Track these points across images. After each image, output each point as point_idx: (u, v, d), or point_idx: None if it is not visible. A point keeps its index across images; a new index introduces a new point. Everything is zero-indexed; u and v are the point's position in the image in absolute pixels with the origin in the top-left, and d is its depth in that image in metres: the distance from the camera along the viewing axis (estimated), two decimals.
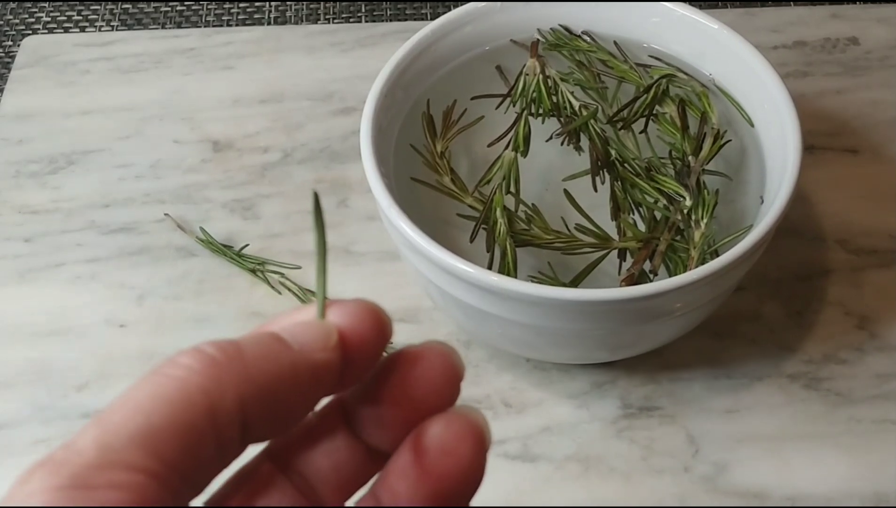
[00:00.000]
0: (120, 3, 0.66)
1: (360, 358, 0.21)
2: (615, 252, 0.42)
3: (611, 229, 0.43)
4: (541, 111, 0.46)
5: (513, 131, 0.45)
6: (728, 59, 0.46)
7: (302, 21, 0.65)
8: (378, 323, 0.21)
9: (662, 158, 0.45)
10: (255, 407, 0.19)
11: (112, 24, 0.65)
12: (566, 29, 0.48)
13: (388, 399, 0.21)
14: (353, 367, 0.21)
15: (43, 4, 0.67)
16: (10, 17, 0.66)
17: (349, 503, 0.23)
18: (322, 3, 0.66)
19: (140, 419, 0.18)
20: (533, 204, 0.43)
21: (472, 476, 0.21)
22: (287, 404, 0.20)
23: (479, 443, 0.21)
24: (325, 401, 0.22)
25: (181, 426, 0.18)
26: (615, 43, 0.48)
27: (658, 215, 0.43)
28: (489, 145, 0.45)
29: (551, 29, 0.49)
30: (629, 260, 0.42)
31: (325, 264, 0.22)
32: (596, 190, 0.44)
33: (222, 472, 0.20)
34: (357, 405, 0.22)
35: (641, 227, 0.43)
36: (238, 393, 0.19)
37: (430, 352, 0.22)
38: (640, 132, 0.45)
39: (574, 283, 0.41)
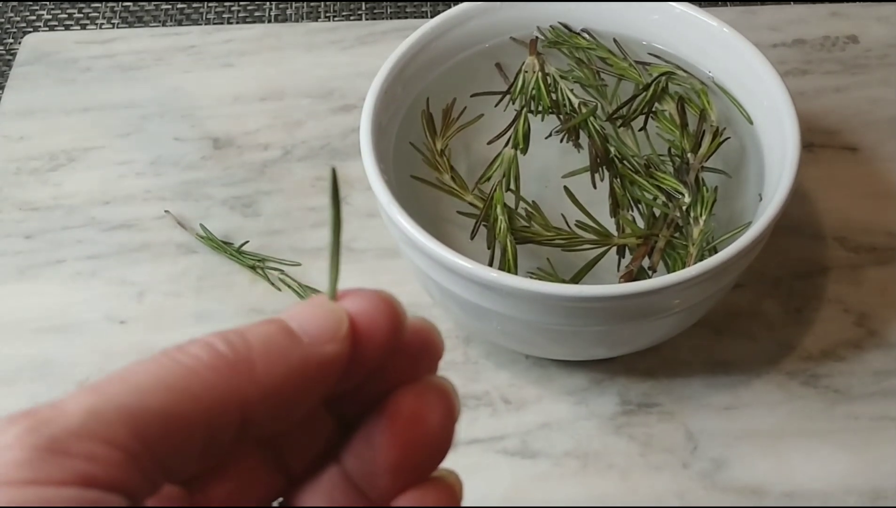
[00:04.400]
0: (121, 1, 0.66)
1: (369, 349, 0.20)
2: (615, 249, 0.42)
3: (610, 225, 0.43)
4: (540, 109, 0.46)
5: (512, 129, 0.45)
6: (728, 57, 0.46)
7: (302, 19, 0.65)
8: (392, 315, 0.20)
9: (661, 155, 0.45)
10: (260, 409, 0.19)
11: (113, 21, 0.65)
12: (566, 26, 0.49)
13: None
14: (361, 358, 0.20)
15: (44, 2, 0.67)
16: (12, 14, 0.66)
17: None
18: (322, 1, 0.66)
19: (135, 398, 0.17)
20: (533, 201, 0.43)
21: (441, 445, 0.21)
22: (291, 403, 0.19)
23: (449, 413, 0.21)
24: None
25: (174, 415, 0.18)
26: (615, 40, 0.48)
27: (657, 211, 0.43)
28: (489, 143, 0.45)
29: (551, 26, 0.49)
30: (628, 257, 0.42)
31: (339, 244, 0.21)
32: (595, 187, 0.44)
33: (210, 464, 0.19)
34: None
35: (640, 224, 0.43)
36: (242, 397, 0.18)
37: (410, 328, 0.21)
38: (640, 130, 0.46)
39: (574, 280, 0.42)
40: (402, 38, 0.46)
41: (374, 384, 0.21)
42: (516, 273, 0.41)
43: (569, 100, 0.46)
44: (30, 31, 0.64)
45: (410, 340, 0.21)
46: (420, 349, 0.21)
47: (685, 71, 0.47)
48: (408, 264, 0.43)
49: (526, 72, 0.47)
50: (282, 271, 0.49)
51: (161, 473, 0.18)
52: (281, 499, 0.23)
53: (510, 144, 0.44)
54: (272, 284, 0.49)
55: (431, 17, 0.48)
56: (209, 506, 0.21)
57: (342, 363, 0.20)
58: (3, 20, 0.65)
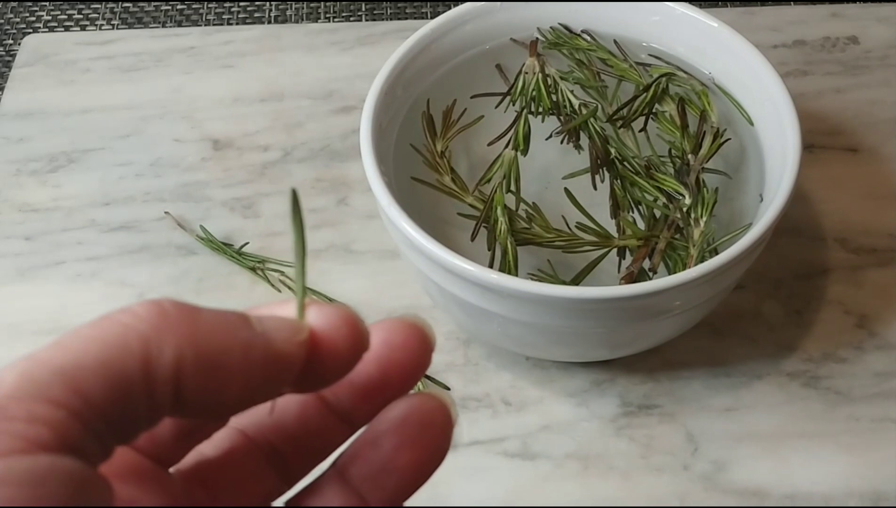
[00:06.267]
0: (120, 1, 0.66)
1: (329, 364, 0.20)
2: (615, 251, 0.42)
3: (610, 227, 0.43)
4: (540, 110, 0.46)
5: (513, 130, 0.45)
6: (728, 57, 0.46)
7: (302, 20, 0.65)
8: (355, 333, 0.21)
9: (662, 156, 0.45)
10: (194, 373, 0.18)
11: (113, 22, 0.65)
12: (566, 28, 0.49)
13: (365, 372, 0.22)
14: (321, 371, 0.20)
15: (44, 3, 0.67)
16: (11, 15, 0.66)
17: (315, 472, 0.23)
18: (322, 2, 0.66)
19: (70, 356, 0.17)
20: (533, 203, 0.43)
21: (443, 445, 0.22)
22: (229, 382, 0.19)
23: (449, 417, 0.22)
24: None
25: (112, 368, 0.17)
26: (615, 42, 0.48)
27: (657, 213, 0.43)
28: (489, 144, 0.45)
29: (551, 28, 0.49)
30: (629, 258, 0.42)
31: (304, 263, 0.21)
32: (595, 188, 0.44)
33: (153, 425, 0.19)
34: None
35: (641, 225, 0.43)
36: (178, 351, 0.18)
37: (405, 327, 0.22)
38: (640, 131, 0.45)
39: (575, 281, 0.41)
40: (402, 40, 0.46)
41: (372, 380, 0.22)
42: (517, 275, 0.41)
43: (569, 101, 0.46)
44: (29, 33, 0.64)
45: (405, 334, 0.22)
46: (414, 343, 0.22)
47: (685, 72, 0.47)
48: (408, 265, 0.43)
49: (526, 73, 0.47)
50: (282, 273, 0.49)
51: (108, 431, 0.18)
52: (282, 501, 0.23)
53: (510, 146, 0.44)
54: (272, 285, 0.49)
55: (431, 18, 0.48)
56: (202, 505, 0.22)
57: (293, 365, 0.20)
58: (2, 21, 0.65)
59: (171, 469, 0.22)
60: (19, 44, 0.62)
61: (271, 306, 0.21)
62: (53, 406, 0.17)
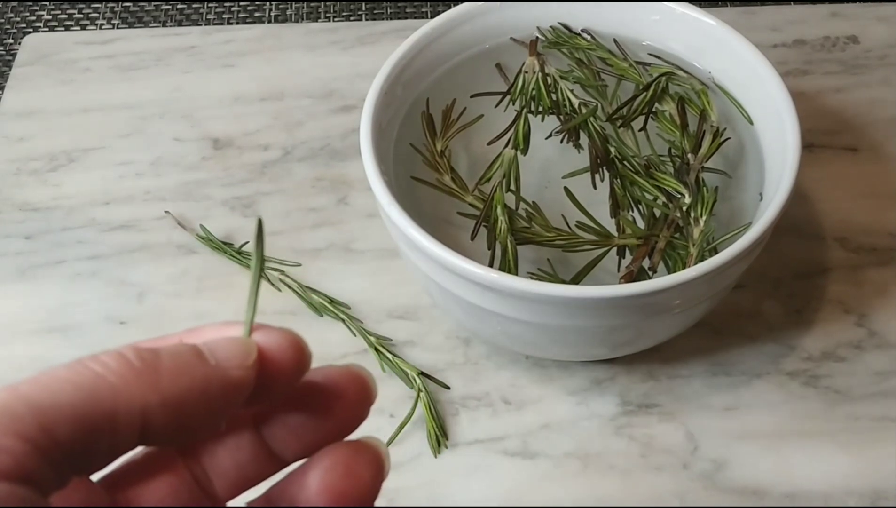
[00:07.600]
0: (121, 1, 0.66)
1: (274, 382, 0.22)
2: (615, 250, 0.42)
3: (610, 226, 0.43)
4: (540, 109, 0.46)
5: (512, 129, 0.45)
6: (728, 57, 0.46)
7: (302, 19, 0.65)
8: (298, 353, 0.22)
9: (662, 155, 0.45)
10: (159, 416, 0.20)
11: (113, 22, 0.65)
12: (566, 27, 0.49)
13: (302, 412, 0.23)
14: (266, 389, 0.22)
15: (44, 2, 0.67)
16: (12, 15, 0.66)
17: (240, 500, 0.24)
18: (322, 1, 0.66)
19: (45, 395, 0.19)
20: (533, 202, 0.43)
21: (368, 498, 0.23)
22: (192, 415, 0.21)
23: (379, 472, 0.23)
24: None
25: (80, 412, 0.19)
26: (615, 41, 0.48)
27: (657, 212, 0.43)
28: (489, 144, 0.45)
29: (551, 27, 0.49)
30: (628, 257, 0.42)
31: (258, 285, 0.23)
32: (595, 187, 0.44)
33: (113, 462, 0.21)
34: (271, 412, 0.23)
35: (641, 224, 0.43)
36: (143, 402, 0.20)
37: (348, 374, 0.23)
38: (640, 130, 0.45)
39: (574, 280, 0.42)
40: (402, 39, 0.46)
41: (310, 425, 0.23)
42: (516, 274, 0.41)
43: (569, 100, 0.46)
44: (30, 32, 0.64)
45: (348, 384, 0.23)
46: (356, 394, 0.23)
47: (685, 71, 0.47)
48: (408, 264, 0.43)
49: (526, 72, 0.47)
50: (282, 272, 0.49)
51: (69, 467, 0.19)
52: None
53: (510, 145, 0.44)
54: (272, 284, 0.49)
55: (431, 17, 0.48)
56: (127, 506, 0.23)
57: (246, 388, 0.22)
58: (3, 20, 0.65)
59: (96, 479, 0.23)
60: (19, 43, 0.62)
61: (220, 327, 0.23)
62: (21, 440, 0.18)
